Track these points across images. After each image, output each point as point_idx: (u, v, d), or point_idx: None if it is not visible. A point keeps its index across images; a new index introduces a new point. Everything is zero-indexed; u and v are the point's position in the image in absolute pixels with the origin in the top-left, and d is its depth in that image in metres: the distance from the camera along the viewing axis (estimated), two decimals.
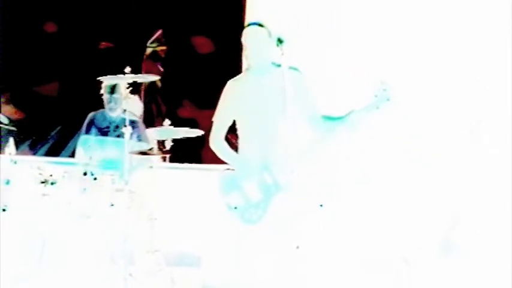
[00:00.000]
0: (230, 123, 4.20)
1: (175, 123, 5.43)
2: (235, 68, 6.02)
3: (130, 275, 4.70)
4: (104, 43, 6.14)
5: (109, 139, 5.26)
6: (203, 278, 5.11)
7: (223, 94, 4.25)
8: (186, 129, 5.25)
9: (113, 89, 5.36)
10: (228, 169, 4.17)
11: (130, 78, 4.85)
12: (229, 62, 6.03)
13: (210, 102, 6.22)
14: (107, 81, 5.15)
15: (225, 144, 4.22)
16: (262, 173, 3.99)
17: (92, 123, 5.46)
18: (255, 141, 4.03)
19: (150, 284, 4.87)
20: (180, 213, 5.71)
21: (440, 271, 4.96)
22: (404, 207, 5.32)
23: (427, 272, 5.01)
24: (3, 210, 4.71)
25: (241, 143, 4.21)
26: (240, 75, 4.19)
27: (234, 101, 4.15)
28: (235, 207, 4.05)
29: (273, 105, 3.96)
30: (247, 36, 4.09)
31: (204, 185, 5.81)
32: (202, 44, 6.20)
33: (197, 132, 5.05)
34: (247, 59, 4.15)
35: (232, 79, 4.22)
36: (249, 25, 4.15)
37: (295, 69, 4.03)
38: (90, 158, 5.06)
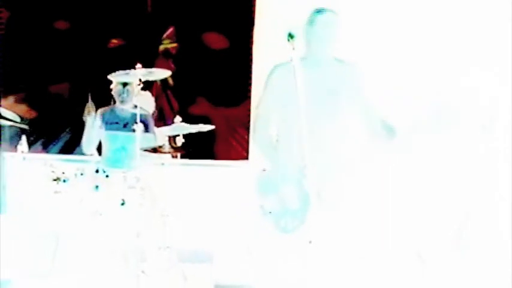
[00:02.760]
0: (276, 117, 3.73)
1: (188, 120, 5.44)
2: (246, 64, 6.04)
3: (143, 271, 4.70)
4: (115, 40, 6.14)
5: (118, 135, 5.24)
6: (215, 274, 5.11)
7: (268, 81, 3.74)
8: (199, 125, 5.27)
9: (124, 86, 5.34)
10: (264, 170, 3.74)
11: (142, 74, 4.84)
12: (241, 58, 6.03)
13: (223, 99, 6.26)
14: (120, 77, 5.14)
15: (270, 140, 3.76)
16: (301, 180, 3.56)
17: (101, 118, 5.44)
18: (297, 144, 3.43)
19: (162, 281, 4.87)
20: (192, 210, 5.71)
21: (453, 267, 4.94)
22: (418, 203, 5.29)
23: (441, 268, 4.99)
24: None
25: (280, 141, 3.77)
26: (288, 62, 3.44)
27: (281, 92, 3.63)
28: (270, 212, 3.68)
29: (326, 106, 3.61)
30: (321, 23, 3.66)
31: (216, 181, 5.83)
32: (215, 40, 6.20)
33: (208, 127, 5.03)
34: (308, 46, 3.69)
35: (278, 65, 3.71)
36: (320, 11, 3.73)
37: (350, 65, 3.69)
38: (94, 154, 5.07)
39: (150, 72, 4.95)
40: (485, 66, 5.27)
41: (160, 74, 5.21)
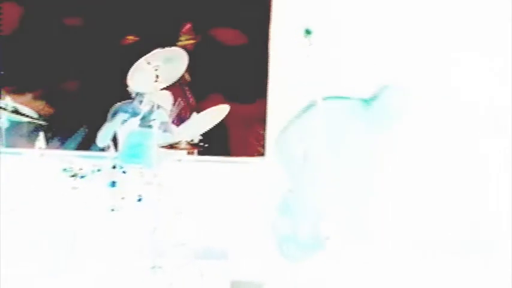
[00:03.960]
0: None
1: None
2: (263, 60, 6.03)
3: (159, 268, 4.72)
4: (130, 37, 6.15)
5: (136, 131, 5.27)
6: (231, 271, 5.12)
7: None
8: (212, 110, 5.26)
9: (144, 82, 5.37)
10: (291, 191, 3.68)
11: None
12: (257, 54, 6.02)
13: (239, 95, 6.26)
14: (137, 74, 5.17)
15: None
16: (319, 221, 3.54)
17: (117, 112, 5.47)
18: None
19: (178, 277, 4.89)
20: (208, 206, 5.72)
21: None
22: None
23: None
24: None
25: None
26: None
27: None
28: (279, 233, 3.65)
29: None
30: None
31: (232, 178, 5.83)
32: (231, 36, 6.20)
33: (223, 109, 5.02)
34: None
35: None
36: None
37: None
38: (110, 148, 5.09)
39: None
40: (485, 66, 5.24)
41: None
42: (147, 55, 4.99)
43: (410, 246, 4.85)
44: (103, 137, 5.26)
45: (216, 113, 5.25)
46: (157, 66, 5.00)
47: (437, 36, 5.34)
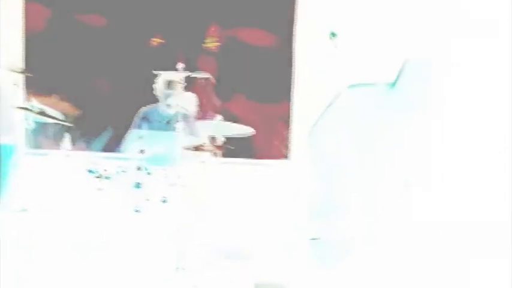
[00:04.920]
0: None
1: (228, 118, 5.45)
2: (288, 61, 6.03)
3: (183, 269, 4.73)
4: (155, 39, 6.18)
5: (161, 133, 5.30)
6: (255, 272, 5.11)
7: None
8: (239, 125, 5.28)
9: (169, 85, 5.41)
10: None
11: (185, 73, 4.90)
12: (282, 55, 6.02)
13: (264, 96, 6.26)
14: (163, 77, 5.21)
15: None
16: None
17: (143, 118, 5.51)
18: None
19: (202, 278, 4.89)
20: (232, 208, 5.72)
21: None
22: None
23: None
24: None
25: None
26: None
27: None
28: (314, 239, 3.55)
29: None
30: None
31: (256, 180, 5.83)
32: (257, 37, 6.20)
33: (248, 130, 5.05)
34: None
35: None
36: None
37: None
38: (141, 151, 5.11)
39: (193, 72, 5.00)
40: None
41: (202, 73, 5.26)
42: None
43: (450, 245, 4.77)
44: (129, 142, 5.31)
45: (240, 131, 5.27)
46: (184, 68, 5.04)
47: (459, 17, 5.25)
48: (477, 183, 4.71)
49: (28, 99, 5.33)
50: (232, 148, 5.37)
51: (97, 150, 5.92)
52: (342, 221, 3.54)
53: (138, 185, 4.98)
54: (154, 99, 5.58)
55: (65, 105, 6.03)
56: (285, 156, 6.07)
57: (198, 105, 5.80)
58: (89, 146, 5.99)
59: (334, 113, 3.68)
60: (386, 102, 3.63)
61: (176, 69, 5.13)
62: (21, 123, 5.23)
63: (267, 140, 6.19)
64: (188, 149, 5.16)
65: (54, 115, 5.37)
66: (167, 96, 5.43)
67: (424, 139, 4.33)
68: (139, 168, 5.00)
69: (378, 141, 3.64)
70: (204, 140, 5.43)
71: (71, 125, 5.37)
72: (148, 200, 4.96)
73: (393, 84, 3.66)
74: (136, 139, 5.33)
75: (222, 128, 5.38)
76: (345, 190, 3.51)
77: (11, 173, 5.08)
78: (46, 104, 5.42)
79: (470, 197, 4.48)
